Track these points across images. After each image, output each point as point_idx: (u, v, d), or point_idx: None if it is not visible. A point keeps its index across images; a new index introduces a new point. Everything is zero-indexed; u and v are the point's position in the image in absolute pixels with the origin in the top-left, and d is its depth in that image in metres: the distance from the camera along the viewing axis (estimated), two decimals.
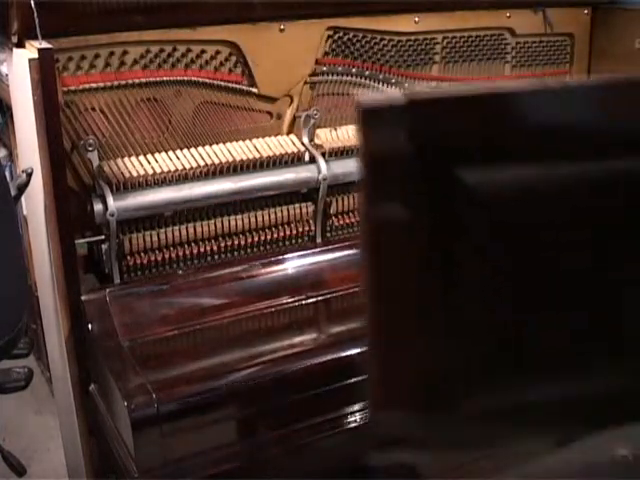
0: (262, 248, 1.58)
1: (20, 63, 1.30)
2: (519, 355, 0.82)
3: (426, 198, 0.73)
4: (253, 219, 1.56)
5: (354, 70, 1.69)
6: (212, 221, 1.52)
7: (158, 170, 1.45)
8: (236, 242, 1.55)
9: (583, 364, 0.85)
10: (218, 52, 1.53)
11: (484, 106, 0.73)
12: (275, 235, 1.58)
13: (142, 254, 1.47)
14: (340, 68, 1.68)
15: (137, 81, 1.46)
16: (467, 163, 0.73)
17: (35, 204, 1.42)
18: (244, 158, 1.53)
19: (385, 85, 1.72)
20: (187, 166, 1.48)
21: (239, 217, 1.55)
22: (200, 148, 1.52)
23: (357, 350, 1.38)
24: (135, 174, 1.43)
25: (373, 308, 0.75)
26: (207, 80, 1.54)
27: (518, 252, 0.77)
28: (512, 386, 0.83)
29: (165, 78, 1.49)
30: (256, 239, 1.57)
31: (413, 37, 1.74)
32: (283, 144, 1.59)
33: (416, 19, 1.72)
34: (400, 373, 0.79)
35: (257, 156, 1.54)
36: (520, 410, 0.85)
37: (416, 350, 0.78)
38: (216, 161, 1.51)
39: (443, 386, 0.81)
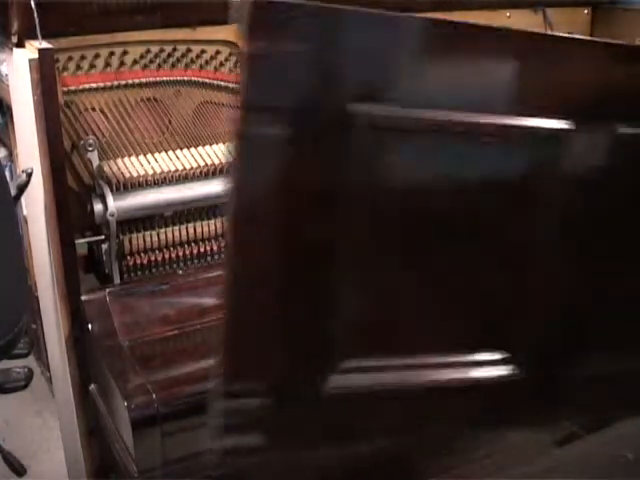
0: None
1: (20, 63, 1.30)
2: (386, 333, 0.76)
3: (314, 122, 0.64)
4: None
5: None
6: (212, 221, 1.52)
7: (158, 170, 1.45)
8: None
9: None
10: (218, 52, 1.53)
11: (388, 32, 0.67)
12: None
13: (142, 254, 1.47)
14: None
15: (137, 81, 1.47)
16: (360, 96, 0.67)
17: (35, 204, 1.42)
18: None
19: None
20: (187, 166, 1.48)
21: None
22: (200, 148, 1.52)
23: None
24: (135, 174, 1.43)
25: (236, 252, 0.65)
26: (207, 80, 1.54)
27: (403, 200, 0.72)
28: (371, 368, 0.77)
29: (165, 78, 1.49)
30: None
31: None
32: None
33: None
34: (260, 336, 0.71)
35: None
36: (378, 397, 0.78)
37: (280, 311, 0.70)
38: (216, 161, 1.50)
39: (303, 361, 0.73)
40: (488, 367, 0.82)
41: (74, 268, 1.37)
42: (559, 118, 0.77)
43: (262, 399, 0.74)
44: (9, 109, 1.93)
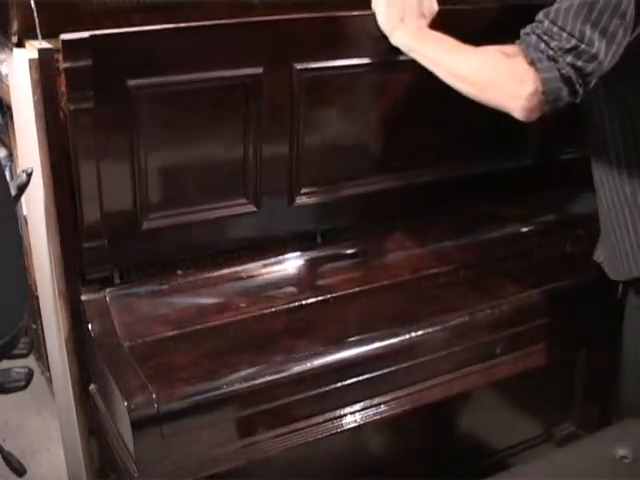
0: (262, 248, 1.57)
1: (20, 63, 1.30)
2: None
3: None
4: None
5: None
6: None
7: None
8: None
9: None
10: None
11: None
12: None
13: None
14: None
15: None
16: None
17: (35, 204, 1.42)
18: None
19: None
20: None
21: None
22: None
23: (357, 350, 1.37)
24: None
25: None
26: None
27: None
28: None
29: None
30: None
31: None
32: None
33: None
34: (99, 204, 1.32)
35: None
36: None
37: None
38: None
39: (129, 215, 1.37)
40: (239, 207, 1.47)
41: (74, 268, 1.37)
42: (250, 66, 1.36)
43: (107, 240, 1.36)
44: (9, 109, 1.93)
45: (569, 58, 1.16)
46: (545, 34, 1.18)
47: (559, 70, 1.17)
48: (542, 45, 1.19)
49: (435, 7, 1.43)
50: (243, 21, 1.37)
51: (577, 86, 1.18)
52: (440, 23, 1.40)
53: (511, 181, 1.76)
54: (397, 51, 1.41)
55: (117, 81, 1.27)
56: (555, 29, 1.17)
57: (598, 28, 1.15)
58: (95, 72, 1.23)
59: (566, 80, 1.18)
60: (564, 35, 1.16)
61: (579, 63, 1.16)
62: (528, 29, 1.22)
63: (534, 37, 1.20)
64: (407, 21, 1.39)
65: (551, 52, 1.17)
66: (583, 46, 1.15)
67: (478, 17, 1.52)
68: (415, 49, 1.37)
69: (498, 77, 1.24)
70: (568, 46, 1.16)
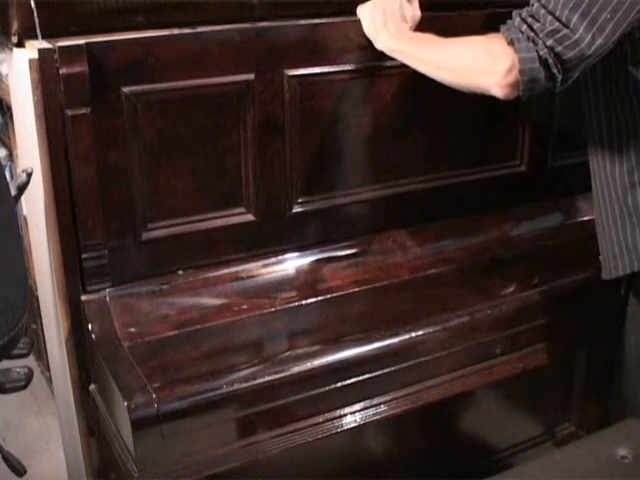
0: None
1: (20, 63, 1.30)
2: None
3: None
4: None
5: None
6: None
7: None
8: None
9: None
10: None
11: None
12: None
13: None
14: None
15: None
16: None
17: (35, 204, 1.42)
18: None
19: None
20: None
21: None
22: None
23: (357, 350, 1.37)
24: None
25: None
26: None
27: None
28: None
29: None
30: None
31: None
32: None
33: None
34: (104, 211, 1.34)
35: None
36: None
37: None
38: None
39: (128, 226, 1.38)
40: (237, 216, 1.48)
41: (74, 268, 1.37)
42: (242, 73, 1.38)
43: (106, 249, 1.37)
44: (9, 109, 1.93)
45: (549, 41, 1.17)
46: (531, 16, 1.19)
47: (537, 52, 1.17)
48: (524, 27, 1.19)
49: (418, 13, 1.44)
50: (234, 27, 1.38)
51: (555, 70, 1.18)
52: (424, 29, 1.40)
53: (507, 186, 1.77)
54: (386, 56, 1.41)
55: (112, 88, 1.28)
56: (543, 11, 1.18)
57: (587, 18, 1.14)
58: (91, 78, 1.24)
59: (543, 63, 1.18)
60: (549, 18, 1.17)
61: (559, 48, 1.16)
62: (515, 12, 1.23)
63: (518, 19, 1.21)
64: (390, 25, 1.40)
65: (532, 34, 1.18)
66: (566, 31, 1.15)
67: (462, 23, 1.52)
68: (397, 49, 1.38)
69: (475, 58, 1.25)
70: (550, 28, 1.16)
